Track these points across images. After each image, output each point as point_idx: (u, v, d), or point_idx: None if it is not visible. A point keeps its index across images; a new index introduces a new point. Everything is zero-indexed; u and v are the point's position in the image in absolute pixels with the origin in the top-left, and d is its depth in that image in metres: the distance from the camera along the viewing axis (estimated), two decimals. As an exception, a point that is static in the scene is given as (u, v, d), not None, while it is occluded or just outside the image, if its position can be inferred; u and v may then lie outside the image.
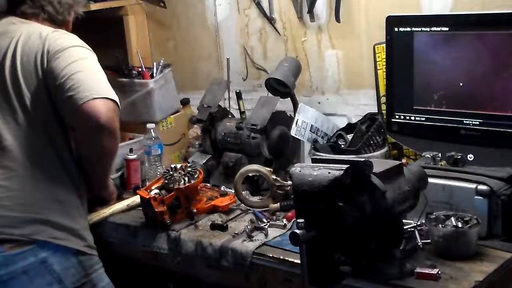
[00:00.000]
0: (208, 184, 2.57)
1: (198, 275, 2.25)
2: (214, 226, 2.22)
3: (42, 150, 2.04)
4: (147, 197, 2.22)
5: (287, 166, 2.48)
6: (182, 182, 2.26)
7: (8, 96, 2.03)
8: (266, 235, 2.12)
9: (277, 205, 2.28)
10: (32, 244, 1.98)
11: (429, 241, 1.90)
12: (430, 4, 2.41)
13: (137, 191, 2.40)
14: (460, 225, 1.86)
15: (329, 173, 1.60)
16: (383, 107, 2.51)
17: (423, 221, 1.94)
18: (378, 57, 2.53)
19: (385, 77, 2.44)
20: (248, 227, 2.15)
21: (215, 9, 2.99)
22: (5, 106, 2.03)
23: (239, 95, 2.77)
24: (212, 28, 3.03)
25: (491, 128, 2.15)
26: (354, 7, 2.59)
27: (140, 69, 2.86)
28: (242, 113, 2.77)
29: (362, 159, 1.69)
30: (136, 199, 2.44)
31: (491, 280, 1.77)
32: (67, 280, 2.02)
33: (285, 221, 2.18)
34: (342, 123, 2.64)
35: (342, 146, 2.46)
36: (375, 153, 2.40)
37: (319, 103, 2.76)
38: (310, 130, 2.55)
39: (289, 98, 2.60)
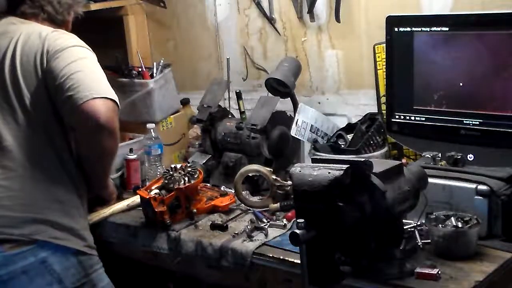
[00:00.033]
0: (208, 184, 2.57)
1: (198, 275, 2.25)
2: (214, 226, 2.22)
3: (42, 150, 2.04)
4: (147, 197, 2.22)
5: (287, 166, 2.48)
6: (182, 182, 2.26)
7: (8, 96, 2.03)
8: (266, 235, 2.12)
9: (277, 205, 2.28)
10: (32, 244, 1.98)
11: (429, 241, 1.90)
12: (430, 4, 2.41)
13: (137, 191, 2.40)
14: (460, 225, 1.86)
15: (329, 173, 1.60)
16: (383, 107, 2.51)
17: (423, 221, 1.94)
18: (378, 57, 2.53)
19: (385, 77, 2.44)
20: (248, 227, 2.15)
21: (215, 9, 2.99)
22: (5, 106, 2.03)
23: (239, 95, 2.77)
24: (212, 28, 3.03)
25: (491, 128, 2.15)
26: (354, 7, 2.59)
27: (140, 69, 2.86)
28: (242, 113, 2.77)
29: (362, 159, 1.69)
30: (136, 199, 2.44)
31: (491, 280, 1.77)
32: (67, 280, 2.02)
33: (285, 221, 2.18)
34: (342, 123, 2.64)
35: (342, 146, 2.46)
36: (375, 153, 2.40)
37: (319, 103, 2.76)
38: (310, 130, 2.55)
39: (289, 98, 2.60)
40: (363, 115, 2.54)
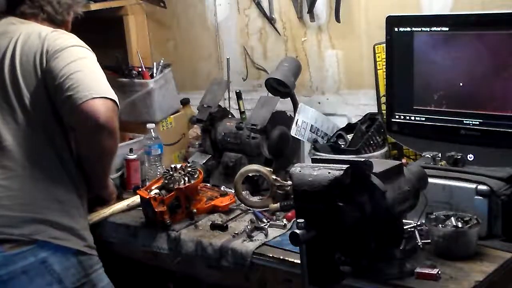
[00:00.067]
0: (208, 184, 2.57)
1: (198, 275, 2.25)
2: (214, 226, 2.22)
3: (42, 150, 2.04)
4: (147, 197, 2.22)
5: (287, 166, 2.48)
6: (182, 182, 2.25)
7: (8, 96, 2.03)
8: (266, 235, 2.11)
9: (277, 205, 2.28)
10: (32, 244, 1.98)
11: (429, 241, 1.90)
12: (430, 4, 2.41)
13: (137, 191, 2.40)
14: (460, 225, 1.86)
15: (329, 173, 1.60)
16: (383, 107, 2.51)
17: (423, 221, 1.94)
18: (378, 57, 2.53)
19: (385, 77, 2.44)
20: (248, 227, 2.15)
21: (215, 9, 2.99)
22: (4, 106, 2.03)
23: (239, 95, 2.77)
24: (212, 28, 3.03)
25: (491, 128, 2.15)
26: (354, 7, 2.59)
27: (140, 69, 2.86)
28: (242, 113, 2.77)
29: (362, 159, 1.69)
30: (136, 199, 2.44)
31: (491, 280, 1.77)
32: (67, 280, 2.02)
33: (285, 221, 2.18)
34: (342, 123, 2.64)
35: (342, 146, 2.46)
36: (375, 153, 2.40)
37: (319, 103, 2.76)
38: (310, 130, 2.55)
39: (289, 98, 2.60)
40: (363, 115, 2.54)
